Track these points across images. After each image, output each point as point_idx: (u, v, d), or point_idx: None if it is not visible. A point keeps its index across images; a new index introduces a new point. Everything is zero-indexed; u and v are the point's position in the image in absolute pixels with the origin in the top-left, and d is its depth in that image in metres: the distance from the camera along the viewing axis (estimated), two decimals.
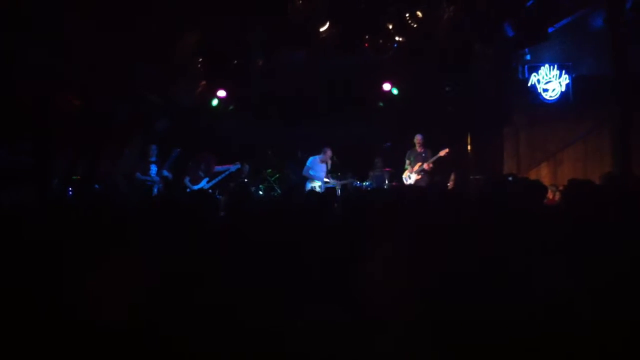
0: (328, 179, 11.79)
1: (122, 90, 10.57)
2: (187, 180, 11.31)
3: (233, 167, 11.53)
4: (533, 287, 2.52)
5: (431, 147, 11.49)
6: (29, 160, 10.42)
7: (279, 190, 12.28)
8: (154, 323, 2.45)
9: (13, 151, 10.50)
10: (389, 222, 3.65)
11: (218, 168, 11.47)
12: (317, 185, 11.61)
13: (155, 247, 3.04)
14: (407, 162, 11.70)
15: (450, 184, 10.60)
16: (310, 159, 11.87)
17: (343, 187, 11.77)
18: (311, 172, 11.74)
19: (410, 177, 11.53)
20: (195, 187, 11.08)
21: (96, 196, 8.10)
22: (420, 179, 11.34)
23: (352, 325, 2.13)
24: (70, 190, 10.09)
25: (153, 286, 2.63)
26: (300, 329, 2.12)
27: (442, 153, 11.21)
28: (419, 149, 11.57)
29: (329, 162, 11.87)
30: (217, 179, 11.40)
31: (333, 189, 9.73)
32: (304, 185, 11.54)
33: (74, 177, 10.68)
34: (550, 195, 8.46)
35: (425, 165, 11.33)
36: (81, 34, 9.10)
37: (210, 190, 11.00)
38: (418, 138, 11.58)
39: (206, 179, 11.36)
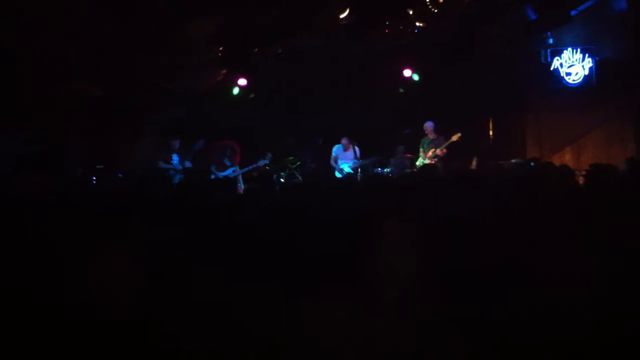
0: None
1: (139, 79, 10.62)
2: (213, 167, 11.42)
3: (261, 162, 11.60)
4: (551, 278, 2.51)
5: (451, 132, 11.43)
6: (43, 149, 10.55)
7: (299, 178, 12.31)
8: (157, 318, 2.47)
9: (26, 139, 10.64)
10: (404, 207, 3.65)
11: (246, 168, 11.55)
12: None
13: (167, 238, 3.06)
14: (421, 149, 11.66)
15: (472, 168, 10.54)
16: (334, 148, 12.13)
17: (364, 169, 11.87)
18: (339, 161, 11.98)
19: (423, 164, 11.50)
20: (221, 175, 11.17)
21: (119, 185, 8.17)
22: (433, 164, 11.30)
23: (361, 320, 2.13)
24: (94, 179, 10.19)
25: (159, 280, 2.65)
26: (308, 320, 2.12)
27: (455, 138, 11.16)
28: (431, 136, 11.55)
29: (353, 147, 11.99)
30: (244, 169, 11.47)
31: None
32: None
33: (98, 167, 10.78)
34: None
35: (438, 151, 11.30)
36: (96, 23, 9.14)
37: (237, 179, 11.06)
38: (428, 126, 11.58)
39: (232, 168, 11.42)
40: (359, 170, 11.86)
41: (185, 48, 10.54)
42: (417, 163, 11.60)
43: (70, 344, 2.39)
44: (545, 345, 2.27)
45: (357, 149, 11.97)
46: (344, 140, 12.05)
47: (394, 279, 2.18)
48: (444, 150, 11.27)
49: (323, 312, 1.93)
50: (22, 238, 3.10)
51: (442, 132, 11.55)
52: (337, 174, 11.87)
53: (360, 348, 1.73)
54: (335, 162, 12.13)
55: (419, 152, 11.75)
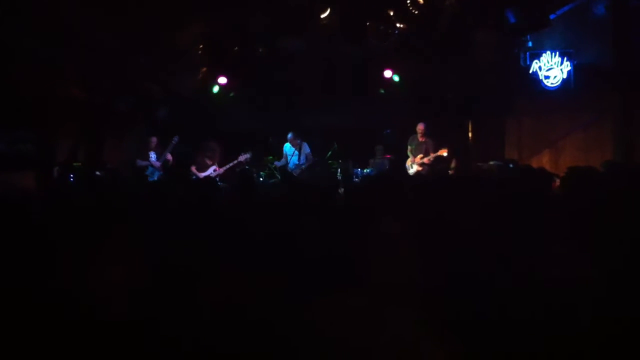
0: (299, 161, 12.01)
1: (122, 79, 10.59)
2: (193, 169, 11.44)
3: (242, 157, 11.60)
4: (535, 279, 2.52)
5: (433, 134, 11.55)
6: (29, 148, 10.51)
7: (279, 177, 12.29)
8: (155, 318, 2.45)
9: (12, 139, 10.58)
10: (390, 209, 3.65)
11: (228, 166, 11.57)
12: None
13: (156, 237, 3.04)
14: (409, 148, 11.78)
15: (451, 171, 10.61)
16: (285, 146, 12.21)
17: (343, 173, 11.91)
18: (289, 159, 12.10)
19: (412, 167, 11.58)
20: (202, 175, 11.19)
21: (97, 183, 8.12)
22: (421, 170, 11.40)
23: (357, 320, 2.13)
24: (72, 177, 10.13)
25: (154, 279, 2.63)
26: (306, 323, 2.12)
27: (441, 152, 11.26)
28: (420, 138, 11.64)
29: (298, 145, 12.03)
30: (225, 167, 11.48)
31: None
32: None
33: (75, 164, 10.73)
34: None
35: (426, 159, 11.39)
36: (79, 23, 9.09)
37: (217, 179, 11.05)
38: (420, 127, 11.65)
39: (213, 167, 11.44)
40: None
41: (170, 50, 10.51)
42: (407, 164, 11.68)
43: (61, 347, 2.38)
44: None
45: (305, 147, 12.05)
46: (290, 136, 12.00)
47: (386, 280, 2.19)
48: (431, 159, 11.37)
49: (322, 313, 1.93)
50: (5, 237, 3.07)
51: (427, 134, 11.64)
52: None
53: (359, 350, 1.73)
54: (287, 160, 12.17)
55: (406, 149, 11.86)
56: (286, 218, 3.38)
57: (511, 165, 9.68)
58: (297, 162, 11.95)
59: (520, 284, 2.46)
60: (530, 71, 12.12)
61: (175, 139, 11.17)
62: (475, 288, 2.43)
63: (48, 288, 2.62)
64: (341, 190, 5.46)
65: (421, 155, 11.50)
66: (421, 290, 2.27)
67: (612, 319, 2.30)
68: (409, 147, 11.82)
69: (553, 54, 12.00)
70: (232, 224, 3.16)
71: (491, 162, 10.68)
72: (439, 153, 11.32)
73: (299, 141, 11.99)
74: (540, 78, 12.05)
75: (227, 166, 11.51)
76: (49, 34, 8.95)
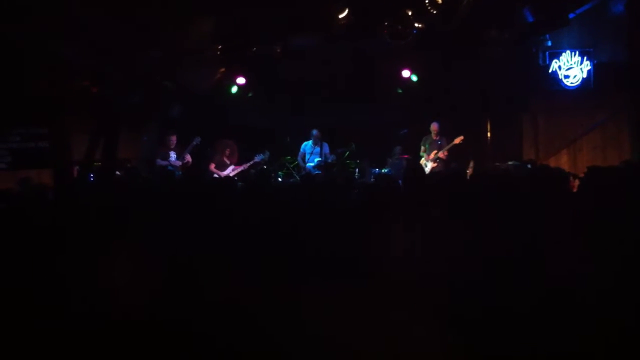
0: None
1: (137, 77, 10.64)
2: (212, 167, 11.55)
3: (258, 158, 11.69)
4: (547, 277, 2.52)
5: (450, 134, 11.56)
6: (44, 145, 10.65)
7: (297, 177, 12.33)
8: (163, 316, 2.46)
9: (26, 136, 10.72)
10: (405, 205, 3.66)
11: (245, 165, 11.68)
12: None
13: (170, 235, 3.06)
14: (422, 148, 11.85)
15: (469, 171, 10.57)
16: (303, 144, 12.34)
17: (361, 172, 11.95)
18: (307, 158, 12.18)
19: (426, 165, 11.58)
20: (222, 174, 11.31)
21: (117, 183, 8.19)
22: (436, 166, 11.42)
23: (365, 318, 2.14)
24: (91, 177, 10.21)
25: (164, 278, 2.65)
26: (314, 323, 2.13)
27: (457, 140, 11.34)
28: (434, 136, 11.70)
29: (320, 143, 12.18)
30: (242, 167, 11.59)
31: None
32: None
33: (95, 163, 10.81)
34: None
35: (440, 154, 11.42)
36: (92, 20, 9.13)
37: (235, 178, 11.16)
38: (434, 126, 11.73)
39: (232, 166, 11.56)
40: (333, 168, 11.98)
41: (185, 46, 10.54)
42: (420, 162, 11.69)
43: (71, 344, 2.40)
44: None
45: (325, 145, 12.08)
46: (315, 132, 12.14)
47: (396, 276, 2.19)
48: (446, 153, 11.40)
49: (326, 309, 1.94)
50: (22, 236, 3.10)
51: (442, 133, 11.67)
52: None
53: (362, 347, 1.74)
54: (303, 159, 12.22)
55: (419, 150, 11.89)
56: (303, 216, 3.39)
57: (529, 166, 9.63)
58: (319, 159, 11.99)
59: (536, 279, 2.46)
60: (550, 70, 12.03)
61: (197, 140, 11.26)
62: (481, 286, 2.43)
63: (61, 287, 2.65)
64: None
65: (435, 151, 11.52)
66: (426, 286, 2.28)
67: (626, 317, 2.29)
68: (422, 147, 11.86)
69: (573, 53, 11.90)
70: (247, 222, 3.18)
71: (509, 163, 10.62)
72: (454, 142, 11.35)
73: (320, 139, 12.09)
74: (560, 77, 11.96)
75: (243, 166, 11.61)
76: (60, 28, 9.00)
